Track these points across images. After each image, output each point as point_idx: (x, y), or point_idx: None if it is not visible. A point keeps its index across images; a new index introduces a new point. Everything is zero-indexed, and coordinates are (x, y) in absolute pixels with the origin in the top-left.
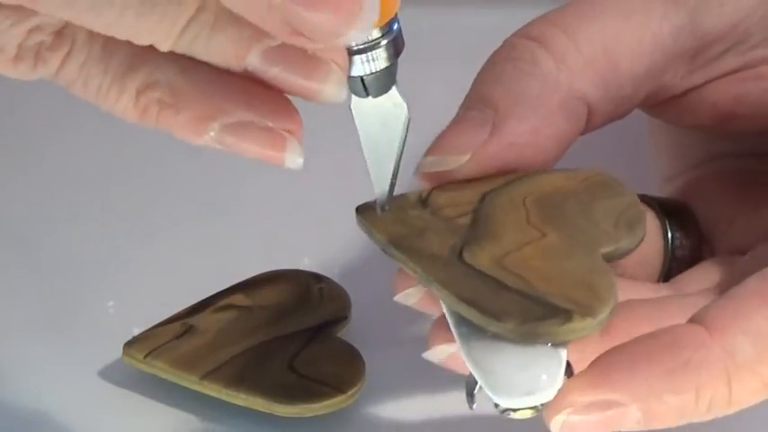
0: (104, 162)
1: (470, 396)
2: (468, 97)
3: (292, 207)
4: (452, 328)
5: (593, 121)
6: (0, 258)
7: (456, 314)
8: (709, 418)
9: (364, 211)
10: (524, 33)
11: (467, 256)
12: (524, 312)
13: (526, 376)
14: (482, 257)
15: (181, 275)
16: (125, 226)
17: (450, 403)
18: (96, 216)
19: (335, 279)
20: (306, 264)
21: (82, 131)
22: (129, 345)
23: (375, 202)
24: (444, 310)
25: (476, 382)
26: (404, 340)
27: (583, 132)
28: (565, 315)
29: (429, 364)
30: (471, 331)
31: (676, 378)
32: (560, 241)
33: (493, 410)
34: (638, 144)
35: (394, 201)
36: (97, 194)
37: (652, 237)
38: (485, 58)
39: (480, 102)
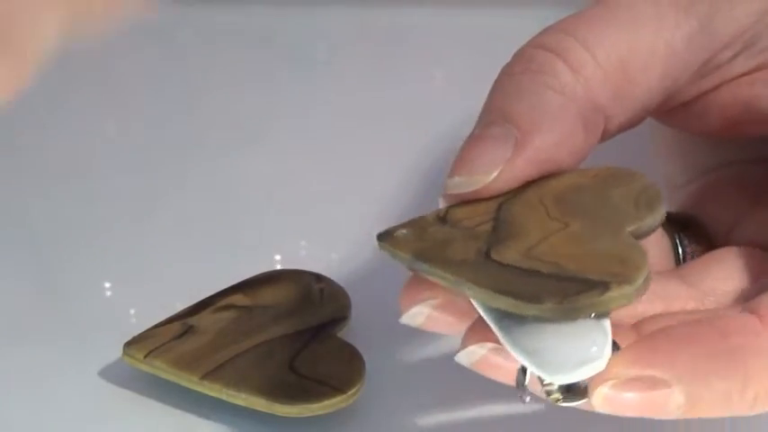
0: (103, 163)
1: (522, 388)
2: (486, 112)
3: (293, 207)
4: (492, 326)
5: (609, 131)
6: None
7: (494, 310)
8: (753, 412)
9: (385, 236)
10: (539, 44)
11: (494, 255)
12: (562, 291)
13: (575, 349)
14: (510, 253)
15: (181, 275)
16: (125, 225)
17: (451, 403)
18: (96, 215)
19: (335, 279)
20: (306, 263)
21: (83, 127)
22: (129, 345)
23: (394, 227)
24: (480, 312)
25: (524, 374)
26: (404, 340)
27: (597, 142)
28: (602, 286)
29: (429, 364)
30: (512, 322)
31: (724, 361)
32: (584, 228)
33: (494, 411)
34: (642, 152)
35: (412, 223)
36: (97, 194)
37: (663, 251)
38: (484, 59)
39: (501, 117)
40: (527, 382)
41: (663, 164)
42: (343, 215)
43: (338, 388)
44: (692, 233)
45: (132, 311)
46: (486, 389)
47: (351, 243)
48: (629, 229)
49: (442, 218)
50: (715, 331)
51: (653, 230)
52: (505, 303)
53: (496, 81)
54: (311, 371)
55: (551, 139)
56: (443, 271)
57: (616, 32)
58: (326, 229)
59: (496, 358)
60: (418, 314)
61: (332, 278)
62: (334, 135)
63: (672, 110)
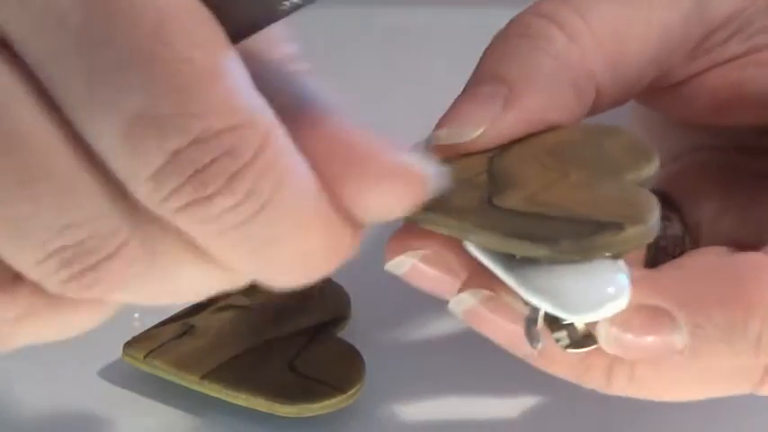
0: None
1: (532, 332)
2: (478, 72)
3: None
4: (500, 272)
5: (599, 103)
6: None
7: (500, 257)
8: (760, 358)
9: None
10: (536, 11)
11: (497, 201)
12: (577, 231)
13: (596, 288)
14: (513, 200)
15: None
16: None
17: (451, 403)
18: None
19: (335, 279)
20: None
21: None
22: (129, 345)
23: None
24: (483, 260)
25: (536, 318)
26: (404, 340)
27: (588, 114)
28: (617, 226)
29: (429, 363)
30: (523, 265)
31: (726, 288)
32: (584, 176)
33: (494, 411)
34: None
35: None
36: None
37: None
38: None
39: (492, 77)
40: (540, 323)
41: None
42: None
43: (338, 388)
44: (666, 212)
45: (133, 312)
46: (487, 388)
47: None
48: (629, 177)
49: None
50: (720, 264)
51: (650, 180)
52: (518, 247)
53: (490, 45)
54: (311, 371)
55: (542, 100)
56: (447, 218)
57: (613, 6)
58: None
59: (485, 310)
60: (403, 263)
61: (332, 278)
62: None
63: (660, 91)
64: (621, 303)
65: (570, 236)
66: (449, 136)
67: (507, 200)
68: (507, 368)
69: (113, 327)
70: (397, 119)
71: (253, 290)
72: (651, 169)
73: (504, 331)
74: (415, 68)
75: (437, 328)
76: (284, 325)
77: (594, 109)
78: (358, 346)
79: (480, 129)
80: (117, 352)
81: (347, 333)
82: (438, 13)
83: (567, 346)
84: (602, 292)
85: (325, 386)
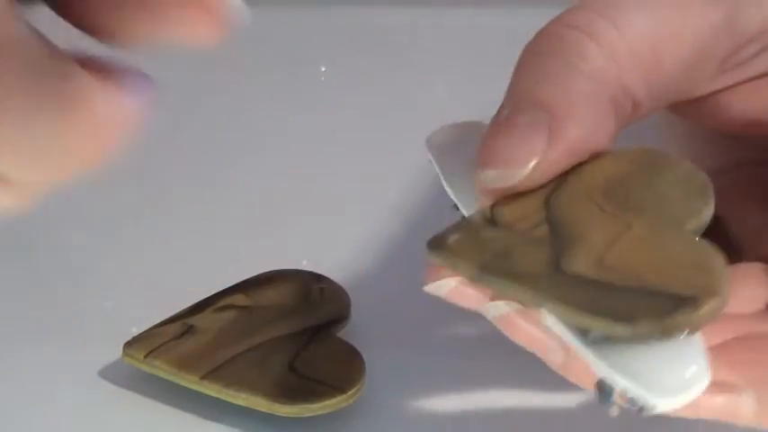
0: (106, 164)
1: (606, 398)
2: (513, 96)
3: (293, 207)
4: (573, 342)
5: (633, 117)
6: None
7: (575, 327)
8: None
9: (437, 243)
10: (569, 22)
11: (565, 266)
12: (654, 309)
13: (678, 370)
14: (580, 263)
15: (181, 275)
16: (125, 225)
17: (450, 403)
18: (96, 215)
19: (335, 279)
20: (306, 264)
21: None
22: (129, 345)
23: (444, 233)
24: (556, 329)
25: (611, 389)
26: (404, 340)
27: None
28: (693, 301)
29: (429, 364)
30: (599, 340)
31: None
32: (647, 228)
33: (494, 411)
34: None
35: (460, 227)
36: (96, 194)
37: None
38: (485, 59)
39: (531, 104)
40: (615, 395)
41: None
42: (343, 215)
43: (338, 388)
44: (712, 230)
45: (132, 311)
46: (487, 388)
47: (351, 243)
48: (691, 225)
49: (490, 219)
50: None
51: (709, 220)
52: (594, 323)
53: (522, 60)
54: (311, 371)
55: (585, 126)
56: (519, 286)
57: (646, 17)
58: (327, 229)
59: (518, 318)
60: (444, 286)
61: (332, 278)
62: (334, 136)
63: (691, 102)
64: (704, 385)
65: (648, 314)
66: (499, 178)
67: (575, 263)
68: (507, 368)
69: (113, 327)
70: (397, 120)
71: (253, 290)
72: (710, 210)
73: (535, 339)
74: (414, 69)
75: (437, 328)
76: (284, 325)
77: (629, 122)
78: (358, 346)
79: (529, 165)
80: (117, 352)
81: (347, 333)
82: (438, 14)
83: (641, 410)
84: (684, 373)
85: (325, 386)
